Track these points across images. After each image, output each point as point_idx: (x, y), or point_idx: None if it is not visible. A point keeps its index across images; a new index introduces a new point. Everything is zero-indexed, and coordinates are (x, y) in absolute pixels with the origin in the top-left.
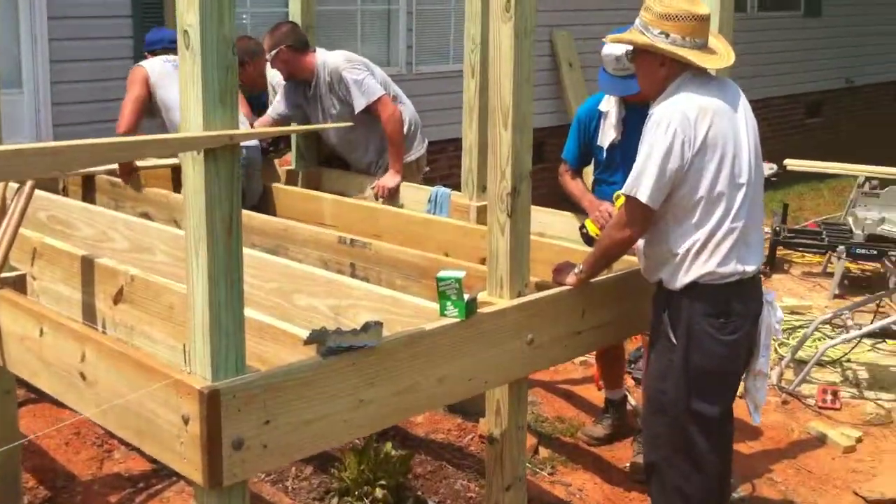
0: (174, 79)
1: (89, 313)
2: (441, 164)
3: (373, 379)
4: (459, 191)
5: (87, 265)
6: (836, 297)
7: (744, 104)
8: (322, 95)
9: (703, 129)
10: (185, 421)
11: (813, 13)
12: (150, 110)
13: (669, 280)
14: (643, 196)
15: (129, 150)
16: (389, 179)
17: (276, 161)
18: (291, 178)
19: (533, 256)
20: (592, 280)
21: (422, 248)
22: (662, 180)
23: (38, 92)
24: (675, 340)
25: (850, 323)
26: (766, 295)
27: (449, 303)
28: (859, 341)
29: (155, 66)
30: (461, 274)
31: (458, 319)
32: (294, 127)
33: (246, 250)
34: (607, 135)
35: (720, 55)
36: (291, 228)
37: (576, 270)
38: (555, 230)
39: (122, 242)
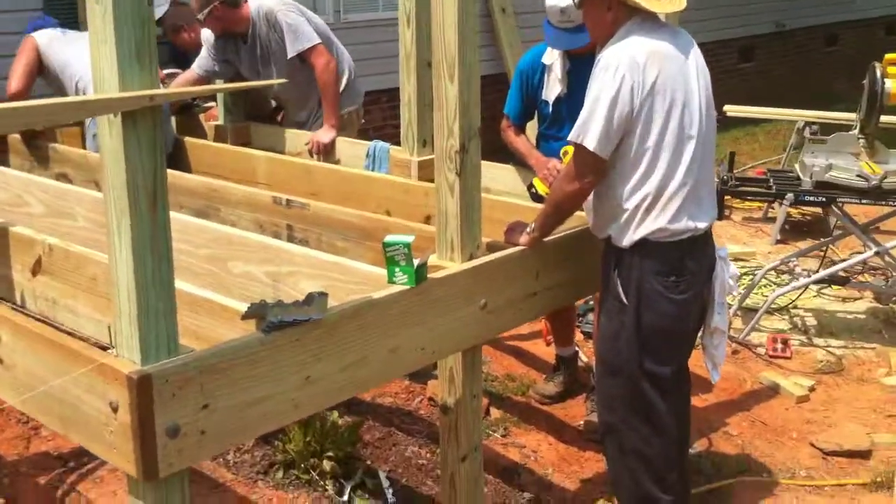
0: (66, 41)
1: (5, 286)
2: (375, 116)
3: (319, 354)
4: (398, 145)
5: (1, 234)
6: (778, 242)
7: (695, 53)
8: (261, 42)
9: (652, 73)
10: (114, 409)
11: None
12: (43, 76)
13: (618, 237)
14: (591, 143)
15: (41, 114)
16: (324, 134)
17: (202, 116)
18: (219, 135)
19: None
20: (546, 239)
21: (362, 207)
22: (611, 127)
23: None
24: (625, 300)
25: (797, 270)
26: (718, 251)
27: (397, 269)
28: (806, 288)
29: (44, 34)
30: (410, 238)
31: (407, 286)
32: (221, 85)
33: (174, 214)
34: (553, 89)
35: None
36: (222, 189)
37: (528, 230)
38: (501, 185)
39: (39, 207)
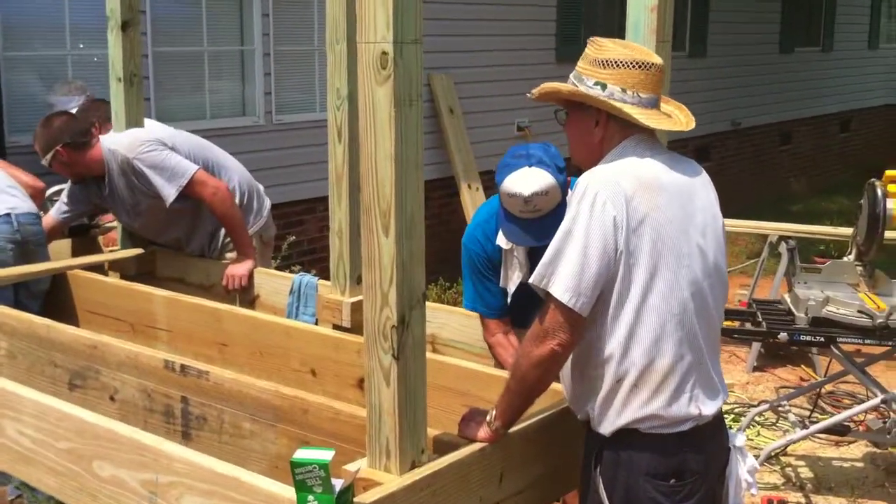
0: None
1: None
2: (310, 227)
3: None
4: (328, 279)
5: None
6: (755, 369)
7: (703, 186)
8: (122, 191)
9: (641, 207)
10: None
11: (698, 54)
12: None
13: (599, 419)
14: (559, 291)
15: None
16: (240, 266)
17: (101, 239)
18: (118, 264)
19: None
20: (512, 429)
21: (282, 364)
22: (586, 271)
23: None
24: None
25: (791, 417)
26: (732, 439)
27: (311, 497)
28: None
29: None
30: (327, 456)
31: None
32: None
33: (33, 394)
34: (512, 277)
35: (672, 119)
36: (103, 346)
37: (488, 419)
38: (452, 332)
39: None
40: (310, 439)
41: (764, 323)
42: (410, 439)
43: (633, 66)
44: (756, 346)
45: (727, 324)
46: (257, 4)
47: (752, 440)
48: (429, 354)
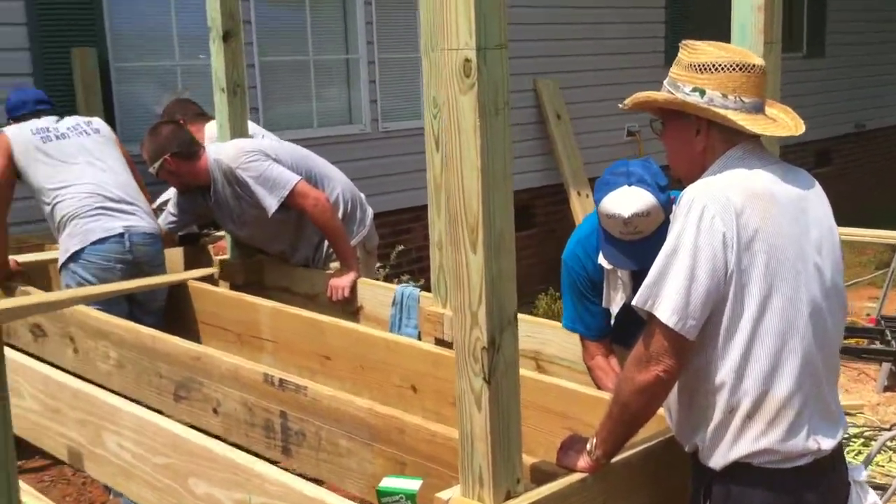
0: (39, 157)
1: None
2: (417, 235)
3: None
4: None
5: None
6: (886, 389)
7: (818, 199)
8: (227, 200)
9: (752, 222)
10: None
11: (816, 54)
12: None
13: (708, 452)
14: (665, 313)
15: None
16: (343, 278)
17: (211, 247)
18: (227, 272)
19: (528, 400)
20: (615, 459)
21: (383, 379)
22: (694, 292)
23: None
24: None
25: None
26: (852, 473)
27: None
28: None
29: (19, 136)
30: (415, 486)
31: None
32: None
33: (131, 407)
34: (615, 297)
35: (779, 123)
36: (206, 358)
37: (588, 447)
38: (557, 349)
39: None
40: (405, 460)
41: (894, 341)
42: (504, 467)
43: (734, 69)
44: (887, 365)
45: (854, 341)
46: (360, 12)
47: (882, 467)
48: (528, 373)
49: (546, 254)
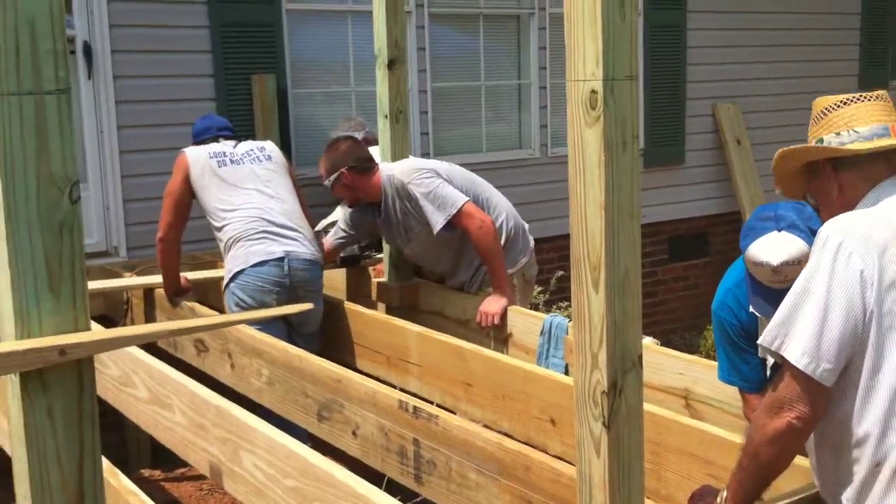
0: (213, 180)
1: None
2: None
3: None
4: None
5: None
6: None
7: None
8: (397, 215)
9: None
10: None
11: None
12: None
13: None
14: (794, 354)
15: None
16: (494, 304)
17: (372, 269)
18: (385, 294)
19: (669, 443)
20: None
21: (522, 409)
22: (827, 333)
23: (106, 188)
24: None
25: None
26: None
27: None
28: None
29: (198, 158)
30: None
31: None
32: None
33: (266, 427)
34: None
35: None
36: (346, 381)
37: (719, 499)
38: (707, 388)
39: (143, 391)
40: (532, 499)
41: None
42: None
43: (839, 107)
44: None
45: None
46: (535, 38)
47: None
48: (670, 414)
49: (718, 284)
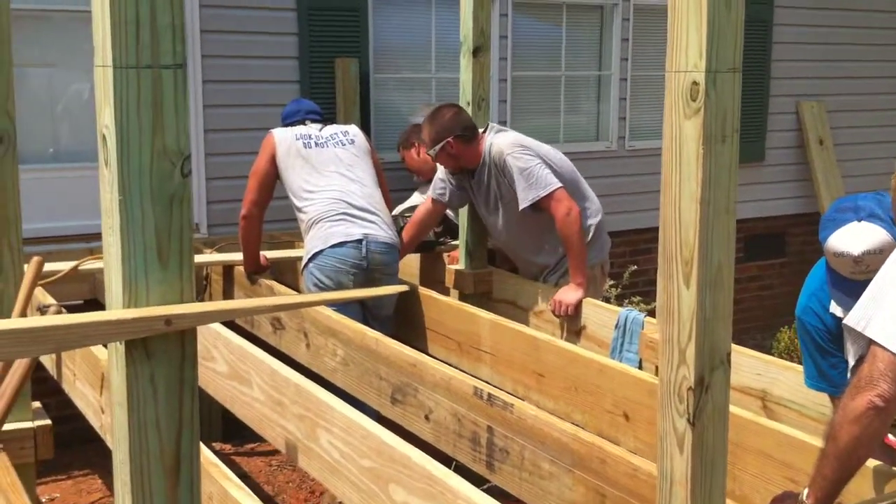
0: (298, 160)
1: None
2: (654, 256)
3: None
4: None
5: None
6: None
7: None
8: (488, 183)
9: None
10: None
11: None
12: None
13: None
14: (879, 333)
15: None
16: (570, 293)
17: (446, 256)
18: (459, 281)
19: (747, 444)
20: None
21: (595, 402)
22: None
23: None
24: None
25: None
26: None
27: None
28: None
29: (285, 139)
30: None
31: None
32: (352, 292)
33: (344, 407)
34: (851, 349)
35: None
36: (421, 366)
37: (801, 496)
38: (786, 390)
39: (223, 365)
40: (606, 492)
41: None
42: None
43: None
44: None
45: None
46: (618, 29)
47: None
48: (749, 415)
49: (796, 284)
